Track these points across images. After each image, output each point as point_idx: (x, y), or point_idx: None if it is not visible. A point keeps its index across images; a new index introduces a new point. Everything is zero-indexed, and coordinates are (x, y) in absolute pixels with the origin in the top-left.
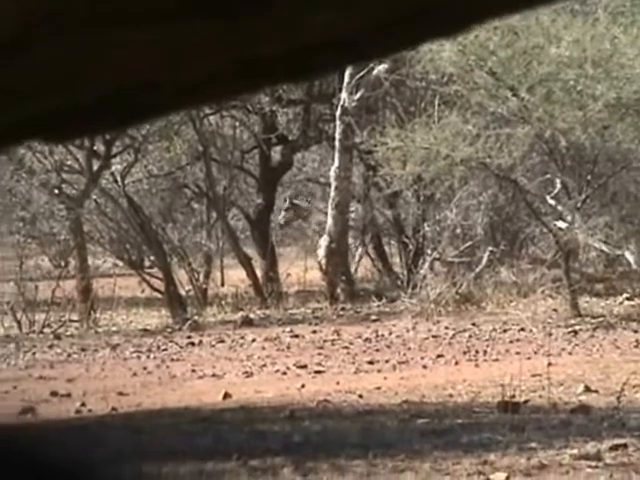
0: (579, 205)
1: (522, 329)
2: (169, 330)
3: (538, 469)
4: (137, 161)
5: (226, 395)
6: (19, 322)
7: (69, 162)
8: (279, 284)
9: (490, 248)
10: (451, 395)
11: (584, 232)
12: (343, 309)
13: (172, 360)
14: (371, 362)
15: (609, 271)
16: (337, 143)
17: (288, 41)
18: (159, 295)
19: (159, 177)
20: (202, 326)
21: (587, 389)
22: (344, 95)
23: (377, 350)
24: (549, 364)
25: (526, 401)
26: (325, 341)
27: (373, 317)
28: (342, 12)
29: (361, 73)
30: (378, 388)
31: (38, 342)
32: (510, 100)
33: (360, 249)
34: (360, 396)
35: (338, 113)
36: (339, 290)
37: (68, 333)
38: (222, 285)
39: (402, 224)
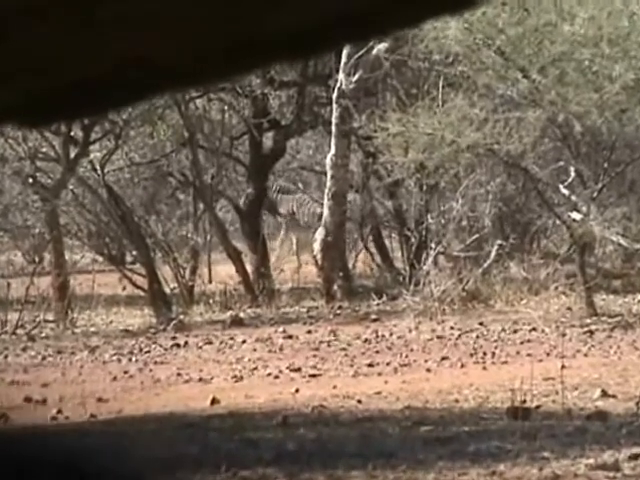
0: (595, 195)
1: (534, 329)
2: (152, 331)
3: None
4: (118, 148)
5: (214, 400)
6: None
7: (44, 149)
8: (271, 280)
9: (499, 241)
10: (457, 400)
11: (600, 224)
12: (340, 308)
13: (156, 363)
14: (370, 365)
15: (627, 266)
16: (334, 128)
17: (296, 14)
18: (142, 293)
19: (142, 165)
20: (188, 326)
21: (604, 394)
22: (341, 76)
23: (377, 352)
24: (563, 367)
25: (538, 407)
26: (321, 342)
27: (373, 316)
28: None
29: (359, 53)
30: (378, 393)
31: (10, 344)
32: (520, 82)
33: (359, 243)
34: (359, 401)
35: (335, 96)
36: (336, 287)
37: (43, 334)
38: (210, 282)
39: (404, 216)
